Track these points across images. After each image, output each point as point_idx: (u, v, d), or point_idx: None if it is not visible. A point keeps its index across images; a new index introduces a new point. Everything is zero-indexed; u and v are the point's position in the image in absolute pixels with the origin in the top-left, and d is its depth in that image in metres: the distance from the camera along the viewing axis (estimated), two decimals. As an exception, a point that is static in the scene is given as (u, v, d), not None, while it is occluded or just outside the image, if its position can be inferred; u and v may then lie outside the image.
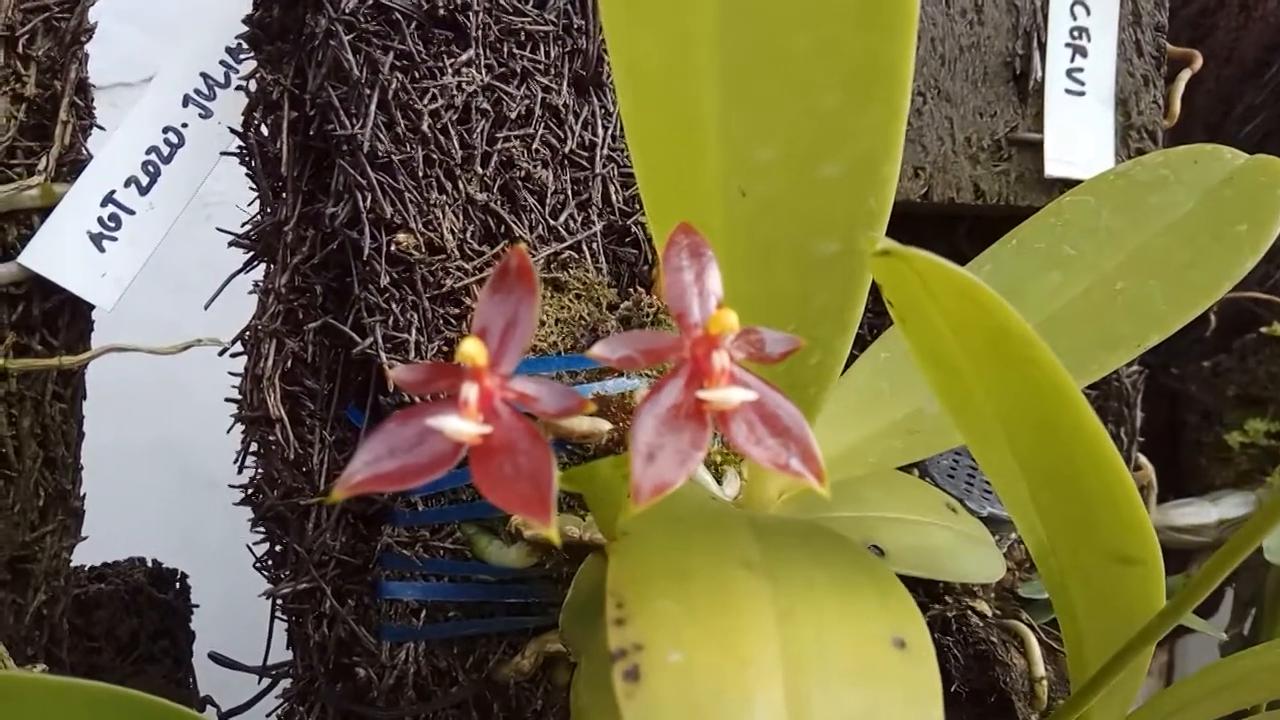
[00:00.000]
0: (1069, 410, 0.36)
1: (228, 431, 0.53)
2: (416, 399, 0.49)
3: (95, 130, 0.60)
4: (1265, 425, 0.95)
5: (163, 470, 1.10)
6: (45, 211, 0.57)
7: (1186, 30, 0.95)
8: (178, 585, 0.70)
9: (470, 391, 0.29)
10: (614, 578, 0.33)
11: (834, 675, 0.31)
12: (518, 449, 0.30)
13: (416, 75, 0.49)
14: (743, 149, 0.38)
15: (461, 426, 0.29)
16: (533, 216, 0.54)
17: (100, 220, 0.56)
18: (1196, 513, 0.93)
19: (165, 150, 0.57)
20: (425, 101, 0.49)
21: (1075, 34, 0.66)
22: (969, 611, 0.68)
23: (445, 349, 0.51)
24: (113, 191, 0.57)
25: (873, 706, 0.30)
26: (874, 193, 0.38)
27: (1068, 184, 0.67)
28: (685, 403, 0.31)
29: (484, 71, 0.52)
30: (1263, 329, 0.93)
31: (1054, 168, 0.66)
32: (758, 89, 0.36)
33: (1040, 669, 0.65)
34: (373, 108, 0.48)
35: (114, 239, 0.56)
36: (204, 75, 0.58)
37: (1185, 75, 0.74)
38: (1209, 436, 0.99)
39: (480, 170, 0.51)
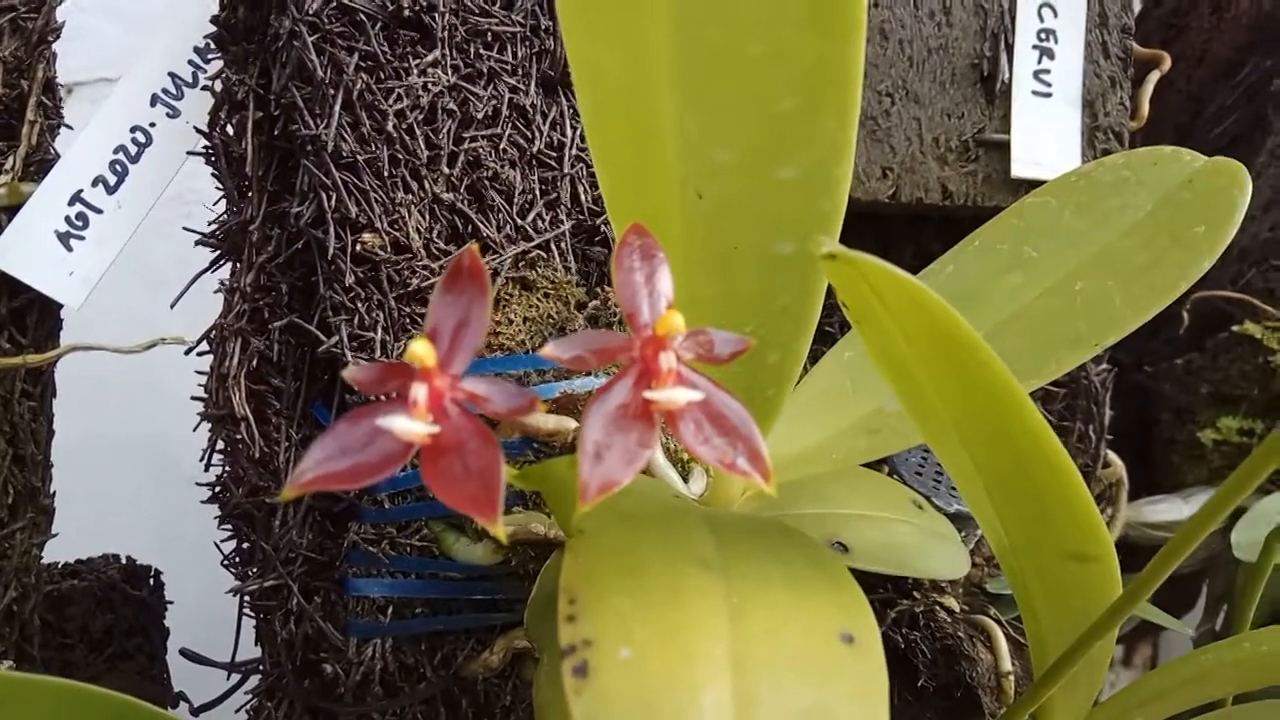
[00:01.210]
0: (1016, 414, 0.37)
1: (194, 430, 0.53)
2: (378, 398, 0.49)
3: (63, 129, 0.60)
4: (1237, 423, 0.96)
5: (138, 466, 1.10)
6: (12, 210, 0.57)
7: (1158, 31, 0.96)
8: (151, 582, 0.70)
9: (419, 391, 0.30)
10: (567, 574, 0.34)
11: (782, 671, 0.31)
12: (467, 449, 0.30)
13: (381, 76, 0.50)
14: (700, 152, 0.38)
15: (410, 426, 0.29)
16: (500, 216, 0.54)
17: (68, 219, 0.56)
18: (1169, 509, 0.94)
19: (133, 150, 0.57)
20: (390, 102, 0.50)
21: (1042, 36, 0.67)
22: (937, 607, 0.69)
23: (412, 348, 0.51)
24: (80, 191, 0.57)
25: (820, 702, 0.31)
26: (828, 194, 0.38)
27: (1034, 185, 0.67)
28: (633, 402, 0.31)
29: (450, 72, 0.52)
30: (1235, 327, 0.94)
31: (1021, 169, 0.67)
32: (713, 93, 0.37)
33: (1007, 663, 0.66)
34: (337, 108, 0.48)
35: (81, 238, 0.56)
36: (172, 75, 0.58)
37: (1154, 77, 0.74)
38: (1182, 434, 1.00)
39: (447, 170, 0.52)
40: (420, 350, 0.30)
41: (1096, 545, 0.44)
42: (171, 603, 0.71)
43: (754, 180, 0.39)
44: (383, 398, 0.48)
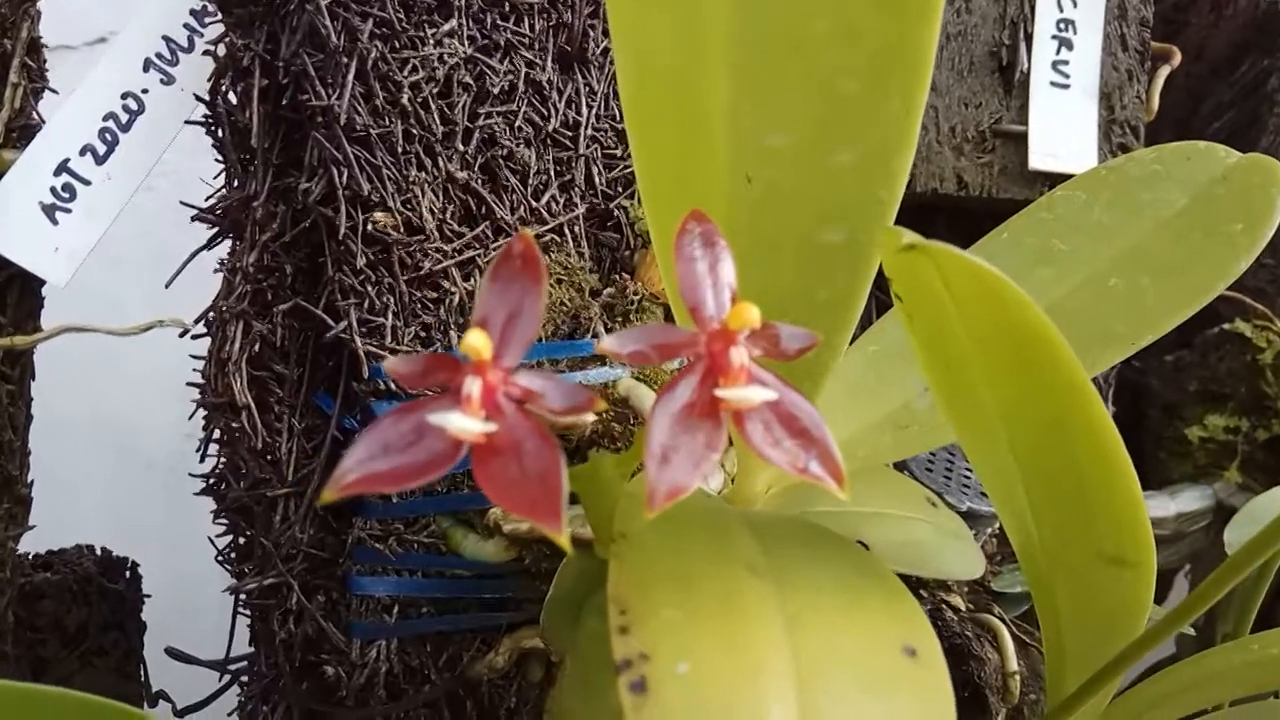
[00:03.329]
0: (1082, 409, 0.35)
1: (189, 417, 0.50)
2: (394, 386, 0.46)
3: (48, 94, 0.56)
4: (1224, 421, 0.97)
5: (99, 449, 1.06)
6: (-7, 180, 0.53)
7: (1159, 26, 0.95)
8: (128, 574, 0.67)
9: (473, 386, 0.28)
10: (615, 583, 0.32)
11: (847, 686, 0.30)
12: (524, 449, 0.28)
13: (397, 45, 0.47)
14: (752, 134, 0.36)
15: (465, 424, 0.27)
16: (514, 197, 0.51)
17: (53, 190, 0.52)
18: (1155, 506, 0.94)
19: (124, 118, 0.54)
20: (405, 73, 0.47)
21: (1061, 26, 0.66)
22: (943, 605, 0.68)
23: (422, 334, 0.48)
24: (67, 160, 0.53)
25: (887, 718, 0.30)
26: (885, 184, 0.36)
27: (1051, 177, 0.66)
28: (700, 401, 0.29)
29: (467, 43, 0.49)
30: (1224, 325, 0.94)
31: (1038, 161, 0.65)
32: (772, 73, 0.35)
33: (1013, 663, 0.65)
34: (350, 78, 0.45)
35: (68, 211, 0.53)
36: (166, 39, 0.54)
37: (1164, 71, 0.74)
38: (1169, 430, 1.00)
39: (461, 147, 0.49)
40: (477, 341, 0.27)
41: (1137, 550, 0.43)
42: (149, 596, 0.67)
43: (808, 166, 0.37)
44: (406, 391, 0.46)
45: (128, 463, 1.11)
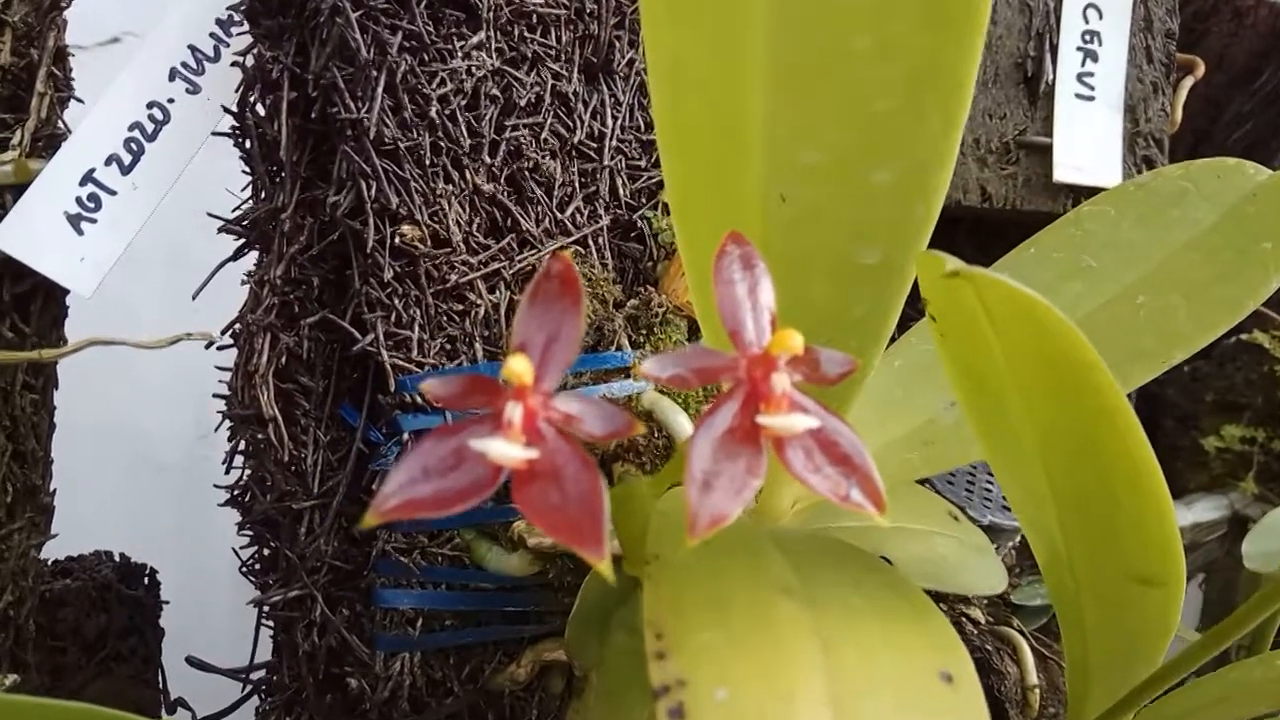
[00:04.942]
0: (1119, 431, 0.35)
1: (216, 429, 0.50)
2: (419, 399, 0.46)
3: (74, 103, 0.56)
4: (1240, 431, 0.96)
5: (112, 453, 1.05)
6: (19, 189, 0.53)
7: (1179, 35, 0.95)
8: (147, 580, 0.66)
9: (515, 412, 0.27)
10: (651, 606, 0.31)
11: (884, 712, 0.29)
12: (564, 474, 0.28)
13: (425, 58, 0.47)
14: (788, 152, 0.36)
15: (507, 450, 0.27)
16: (539, 209, 0.51)
17: (79, 200, 0.52)
18: (1171, 516, 0.94)
19: (149, 127, 0.54)
20: (434, 86, 0.47)
21: (1087, 38, 0.65)
22: (963, 618, 0.67)
23: (448, 346, 0.48)
24: (92, 170, 0.53)
25: (926, 747, 0.29)
26: (923, 202, 0.36)
27: (1075, 190, 0.66)
28: (741, 427, 0.29)
29: (494, 55, 0.49)
30: (1242, 336, 0.94)
31: (1062, 173, 0.65)
32: (810, 90, 0.34)
33: (1033, 677, 0.65)
34: (379, 91, 0.45)
35: (93, 221, 0.52)
36: (192, 48, 0.54)
37: (1188, 82, 0.73)
38: (1185, 440, 0.99)
39: (488, 160, 0.49)
40: (519, 367, 0.27)
41: (1166, 571, 0.43)
42: (167, 602, 0.67)
43: (845, 184, 0.36)
44: (445, 412, 0.45)
45: (141, 466, 1.11)
